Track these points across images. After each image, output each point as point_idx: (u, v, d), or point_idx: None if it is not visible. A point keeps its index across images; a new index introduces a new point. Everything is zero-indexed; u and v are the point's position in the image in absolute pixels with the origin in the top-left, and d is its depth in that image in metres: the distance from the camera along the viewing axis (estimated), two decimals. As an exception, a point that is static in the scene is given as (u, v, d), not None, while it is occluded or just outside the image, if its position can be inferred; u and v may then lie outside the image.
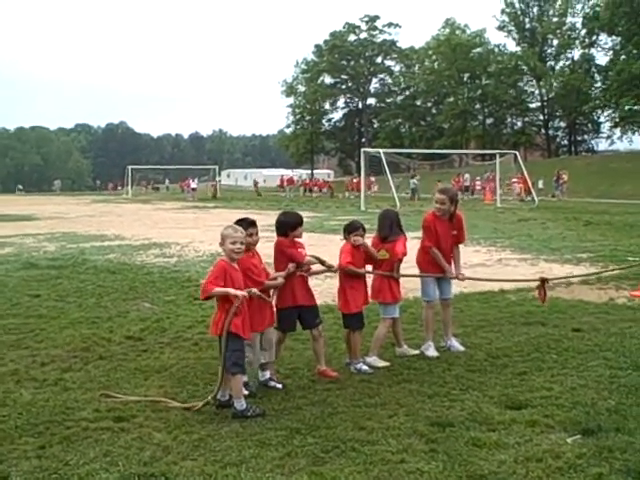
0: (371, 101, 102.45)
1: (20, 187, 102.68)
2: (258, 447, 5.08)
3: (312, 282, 7.23)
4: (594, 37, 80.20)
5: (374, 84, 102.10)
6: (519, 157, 49.07)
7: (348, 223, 7.47)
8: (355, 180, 62.32)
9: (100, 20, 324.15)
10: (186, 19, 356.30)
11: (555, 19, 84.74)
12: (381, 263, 7.52)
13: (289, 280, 6.75)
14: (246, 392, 6.23)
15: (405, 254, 7.44)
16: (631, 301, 10.55)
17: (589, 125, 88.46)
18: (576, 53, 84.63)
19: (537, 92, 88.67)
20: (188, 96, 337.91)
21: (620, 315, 9.53)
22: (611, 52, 77.73)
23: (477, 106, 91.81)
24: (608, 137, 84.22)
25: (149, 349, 7.98)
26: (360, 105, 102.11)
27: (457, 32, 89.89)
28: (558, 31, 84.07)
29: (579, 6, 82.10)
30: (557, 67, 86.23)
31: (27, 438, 5.30)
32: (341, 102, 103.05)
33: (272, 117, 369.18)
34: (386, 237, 7.53)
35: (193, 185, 64.76)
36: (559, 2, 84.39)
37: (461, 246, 8.22)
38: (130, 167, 73.86)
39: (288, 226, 6.91)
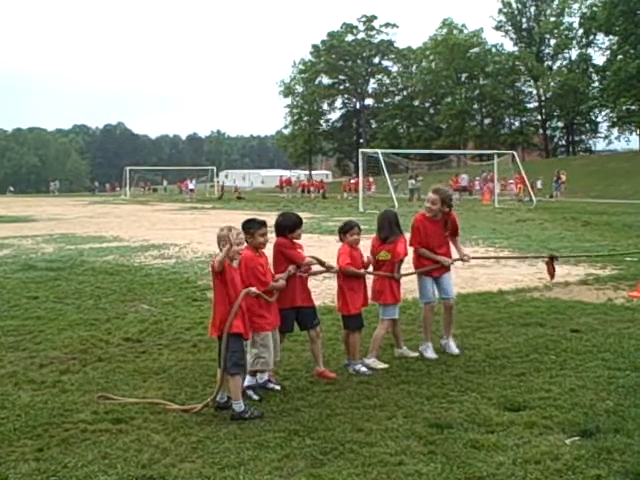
0: (369, 101, 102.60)
1: (11, 189, 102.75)
2: (256, 449, 5.08)
3: (310, 283, 7.22)
4: (591, 37, 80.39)
5: (372, 84, 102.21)
6: (517, 157, 49.12)
7: (343, 223, 7.46)
8: (353, 181, 62.32)
9: (98, 21, 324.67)
10: (184, 20, 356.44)
11: (552, 19, 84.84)
12: (382, 264, 7.51)
13: (289, 281, 6.74)
14: (256, 397, 6.28)
15: (406, 254, 7.44)
16: (629, 302, 10.55)
17: (587, 125, 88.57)
18: (573, 53, 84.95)
19: (535, 92, 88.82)
20: (186, 97, 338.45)
21: (618, 316, 9.53)
22: (608, 52, 77.86)
23: (475, 106, 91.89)
24: (606, 137, 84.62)
25: (147, 351, 7.97)
26: (358, 105, 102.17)
27: (454, 32, 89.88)
28: (555, 31, 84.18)
29: (576, 6, 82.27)
30: (554, 67, 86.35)
31: (25, 440, 5.29)
32: (339, 102, 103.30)
33: (270, 118, 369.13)
34: (386, 238, 7.52)
35: (191, 186, 64.73)
36: (556, 2, 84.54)
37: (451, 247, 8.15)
38: (128, 168, 73.91)
39: (287, 228, 6.90)
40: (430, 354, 7.63)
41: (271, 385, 6.58)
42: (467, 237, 20.36)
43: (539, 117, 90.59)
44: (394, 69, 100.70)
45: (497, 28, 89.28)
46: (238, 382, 5.94)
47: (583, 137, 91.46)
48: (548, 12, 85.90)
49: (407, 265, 7.79)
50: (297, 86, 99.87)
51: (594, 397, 6.08)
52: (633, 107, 70.56)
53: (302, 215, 7.67)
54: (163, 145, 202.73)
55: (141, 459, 4.92)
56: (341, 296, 7.31)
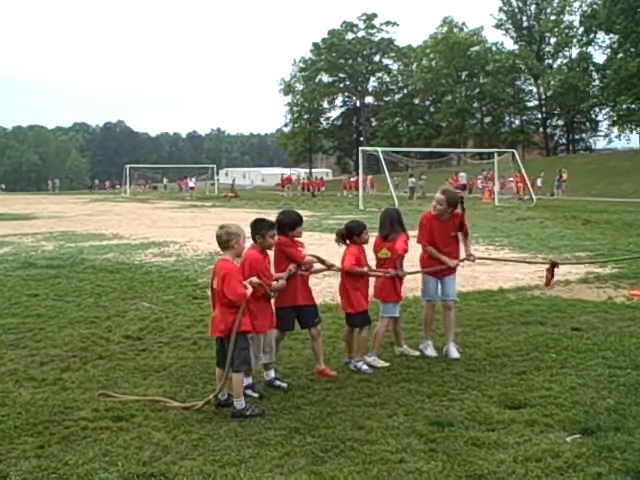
0: (369, 100, 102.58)
1: (3, 186, 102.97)
2: (257, 447, 5.08)
3: (310, 281, 7.22)
4: (592, 35, 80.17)
5: (372, 82, 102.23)
6: (517, 156, 49.08)
7: (352, 225, 7.40)
8: (353, 179, 62.32)
9: (98, 19, 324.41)
10: (184, 18, 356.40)
11: (552, 17, 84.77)
12: (383, 262, 7.51)
13: (290, 280, 6.73)
14: (255, 395, 6.29)
15: (406, 250, 7.40)
16: (630, 300, 10.55)
17: (587, 123, 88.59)
18: (574, 51, 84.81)
19: (535, 90, 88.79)
20: (186, 95, 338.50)
21: (619, 314, 9.53)
22: (609, 50, 77.69)
23: (475, 104, 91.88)
24: (606, 135, 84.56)
25: (148, 348, 7.97)
26: (358, 104, 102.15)
27: (455, 30, 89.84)
28: (555, 29, 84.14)
29: (576, 4, 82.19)
30: (555, 65, 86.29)
31: (26, 438, 5.30)
32: (339, 101, 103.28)
33: (270, 116, 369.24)
34: (387, 236, 7.51)
35: (191, 184, 64.68)
36: (556, 0, 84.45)
37: (460, 246, 8.14)
38: (128, 166, 73.86)
39: (287, 226, 6.89)
40: (430, 352, 7.64)
41: (277, 383, 6.57)
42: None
43: (539, 115, 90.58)
44: (394, 67, 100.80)
45: (497, 26, 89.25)
46: (241, 379, 5.94)
47: (583, 135, 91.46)
48: (548, 10, 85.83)
49: (409, 263, 7.78)
50: (297, 84, 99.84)
51: (595, 395, 6.08)
52: (633, 106, 70.48)
53: (302, 213, 7.67)
54: (163, 143, 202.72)
55: (142, 456, 4.92)
56: (345, 294, 7.30)
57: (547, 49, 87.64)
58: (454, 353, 7.58)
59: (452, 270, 7.85)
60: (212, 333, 6.16)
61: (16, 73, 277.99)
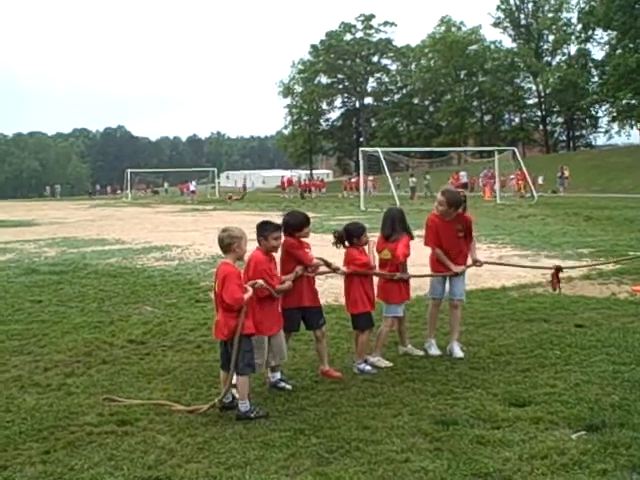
0: (368, 100, 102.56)
1: None
2: (262, 448, 5.08)
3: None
4: (590, 32, 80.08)
5: (371, 83, 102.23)
6: (517, 153, 49.05)
7: (352, 227, 7.37)
8: (354, 180, 62.32)
9: (97, 25, 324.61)
10: (183, 22, 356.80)
11: (550, 14, 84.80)
12: (385, 262, 7.51)
13: (296, 281, 6.73)
14: (289, 386, 6.48)
15: (406, 255, 7.37)
16: (633, 296, 10.54)
17: (587, 120, 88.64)
18: (572, 48, 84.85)
19: (534, 88, 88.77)
20: (185, 99, 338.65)
21: (622, 310, 9.52)
22: (607, 46, 77.65)
23: (474, 103, 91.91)
24: (606, 132, 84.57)
25: (152, 352, 7.97)
26: (357, 104, 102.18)
27: (453, 29, 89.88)
28: (554, 27, 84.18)
29: (574, 1, 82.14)
30: (553, 63, 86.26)
31: (31, 443, 5.30)
32: (338, 102, 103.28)
33: (270, 118, 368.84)
34: (389, 236, 7.51)
35: (192, 188, 64.72)
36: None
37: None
38: (129, 171, 73.91)
39: (294, 227, 6.88)
40: (434, 351, 7.63)
41: (282, 384, 6.57)
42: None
43: (539, 113, 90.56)
44: (393, 67, 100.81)
45: (495, 25, 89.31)
46: (246, 382, 5.94)
47: (584, 132, 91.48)
48: (546, 8, 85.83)
49: (412, 265, 7.78)
50: (296, 86, 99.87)
51: (599, 392, 6.07)
52: (633, 101, 70.42)
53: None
54: (163, 147, 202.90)
55: (147, 460, 4.93)
56: (348, 295, 7.31)
57: (545, 46, 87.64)
58: (458, 352, 7.57)
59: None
60: (216, 336, 6.15)
61: (16, 80, 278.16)
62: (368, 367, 7.11)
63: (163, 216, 37.71)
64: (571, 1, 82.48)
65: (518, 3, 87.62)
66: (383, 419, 5.60)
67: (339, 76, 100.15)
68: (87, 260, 16.69)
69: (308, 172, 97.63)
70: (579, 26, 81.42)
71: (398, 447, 5.01)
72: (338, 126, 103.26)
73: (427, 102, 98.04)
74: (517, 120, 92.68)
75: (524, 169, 45.02)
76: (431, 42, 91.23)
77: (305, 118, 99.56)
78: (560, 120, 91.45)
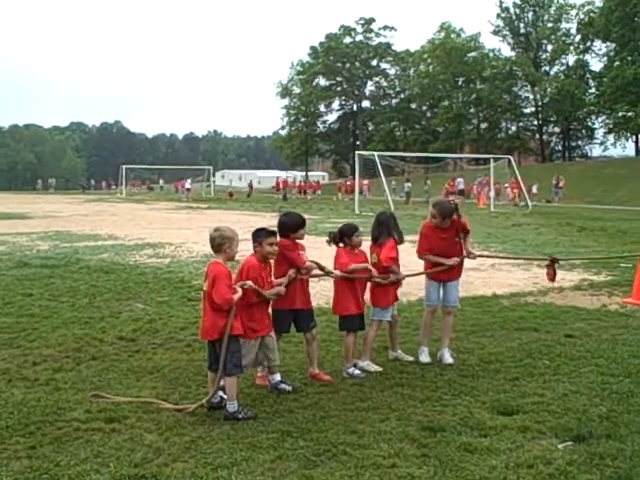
0: (366, 104, 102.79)
1: None
2: (249, 450, 5.07)
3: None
4: (588, 43, 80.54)
5: (369, 87, 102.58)
6: (513, 162, 49.18)
7: (345, 227, 7.38)
8: (349, 182, 62.39)
9: (96, 19, 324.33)
10: (182, 19, 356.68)
11: (550, 24, 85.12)
12: (375, 266, 7.51)
13: (289, 283, 6.73)
14: (289, 387, 6.47)
15: (391, 258, 7.37)
16: (624, 307, 10.58)
17: (583, 131, 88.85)
18: (570, 59, 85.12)
19: (531, 97, 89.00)
20: (183, 96, 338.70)
21: (612, 322, 9.55)
22: (605, 58, 78.06)
23: (472, 110, 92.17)
24: (602, 143, 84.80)
25: (141, 350, 7.96)
26: (355, 108, 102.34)
27: (452, 36, 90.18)
28: (553, 36, 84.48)
29: (573, 12, 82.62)
30: (551, 72, 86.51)
31: (18, 438, 5.28)
32: (336, 104, 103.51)
33: (267, 118, 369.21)
34: (376, 239, 7.54)
35: (187, 185, 64.72)
36: (554, 8, 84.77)
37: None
38: (124, 166, 73.81)
39: (289, 228, 6.88)
40: (424, 358, 7.61)
41: (283, 386, 6.55)
42: (462, 241, 20.36)
43: (536, 122, 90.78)
44: (392, 72, 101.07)
45: (495, 33, 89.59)
46: (234, 383, 5.94)
47: (579, 143, 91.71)
48: (546, 18, 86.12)
49: (403, 268, 7.78)
50: (294, 87, 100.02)
51: (587, 402, 6.09)
52: (629, 113, 70.70)
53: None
54: (160, 144, 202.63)
55: (134, 458, 4.91)
56: (336, 297, 7.35)
57: (544, 56, 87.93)
58: (448, 359, 7.58)
59: (455, 275, 7.85)
60: (203, 337, 6.12)
61: (13, 72, 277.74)
62: (357, 371, 7.11)
63: (157, 213, 37.67)
64: (571, 12, 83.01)
65: (518, 12, 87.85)
66: (371, 424, 5.60)
67: (337, 79, 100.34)
68: (79, 255, 16.66)
69: (304, 174, 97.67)
70: (578, 37, 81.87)
71: (385, 452, 5.01)
72: (335, 129, 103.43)
73: (424, 107, 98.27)
74: (514, 128, 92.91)
75: (519, 178, 45.13)
76: (430, 48, 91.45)
77: (302, 119, 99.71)
78: (556, 130, 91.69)
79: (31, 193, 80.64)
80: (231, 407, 5.80)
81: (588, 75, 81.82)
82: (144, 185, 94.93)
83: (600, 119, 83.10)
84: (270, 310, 6.70)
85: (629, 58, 70.84)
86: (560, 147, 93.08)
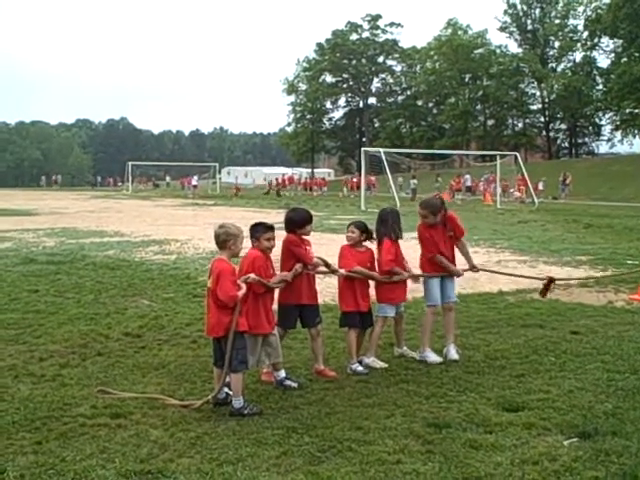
0: (372, 100, 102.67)
1: None
2: (255, 446, 5.08)
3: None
4: (596, 39, 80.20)
5: (375, 83, 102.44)
6: (519, 159, 49.08)
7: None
8: (356, 179, 62.34)
9: (102, 15, 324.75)
10: (188, 16, 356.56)
11: (557, 21, 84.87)
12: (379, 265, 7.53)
13: (296, 278, 6.75)
14: (295, 384, 6.46)
15: (390, 261, 7.37)
16: (630, 304, 10.55)
17: (590, 128, 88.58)
18: (578, 55, 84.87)
19: (538, 94, 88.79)
20: (189, 93, 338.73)
21: (619, 318, 9.53)
22: (613, 55, 77.79)
23: (478, 107, 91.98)
24: (609, 140, 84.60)
25: (147, 346, 7.98)
26: (361, 104, 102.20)
27: (459, 33, 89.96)
28: (560, 33, 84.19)
29: (581, 8, 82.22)
30: (558, 69, 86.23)
31: (24, 433, 5.30)
32: (342, 101, 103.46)
33: (273, 115, 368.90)
34: (376, 236, 7.54)
35: (194, 182, 64.81)
36: (561, 4, 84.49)
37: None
38: (130, 163, 73.92)
39: (297, 223, 6.89)
40: (433, 358, 7.48)
41: (288, 382, 6.55)
42: (468, 238, 20.28)
43: (542, 119, 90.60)
44: (398, 69, 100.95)
45: (502, 29, 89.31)
46: (240, 379, 5.95)
47: (586, 139, 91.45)
48: (553, 14, 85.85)
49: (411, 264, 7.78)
50: (301, 84, 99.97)
51: (593, 399, 6.08)
52: (637, 110, 70.49)
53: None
54: (166, 140, 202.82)
55: (139, 454, 4.93)
56: (340, 293, 7.38)
57: (551, 53, 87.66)
58: (454, 354, 7.57)
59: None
60: (208, 333, 6.15)
61: (19, 69, 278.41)
62: (360, 367, 7.11)
63: (163, 209, 37.73)
64: (578, 8, 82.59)
65: (525, 8, 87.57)
66: (376, 420, 5.60)
67: (344, 75, 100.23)
68: (85, 251, 16.69)
69: (310, 170, 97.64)
70: (585, 33, 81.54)
71: (390, 448, 5.01)
72: (341, 125, 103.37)
73: (431, 104, 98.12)
74: (520, 125, 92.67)
75: (525, 175, 45.04)
76: (437, 44, 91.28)
77: (308, 116, 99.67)
78: (563, 127, 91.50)
79: (37, 190, 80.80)
80: (237, 403, 5.81)
81: (595, 72, 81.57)
82: (150, 182, 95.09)
83: (607, 116, 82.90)
84: (276, 305, 6.72)
85: (637, 54, 70.56)
86: (567, 144, 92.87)
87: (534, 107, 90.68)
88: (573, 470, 4.64)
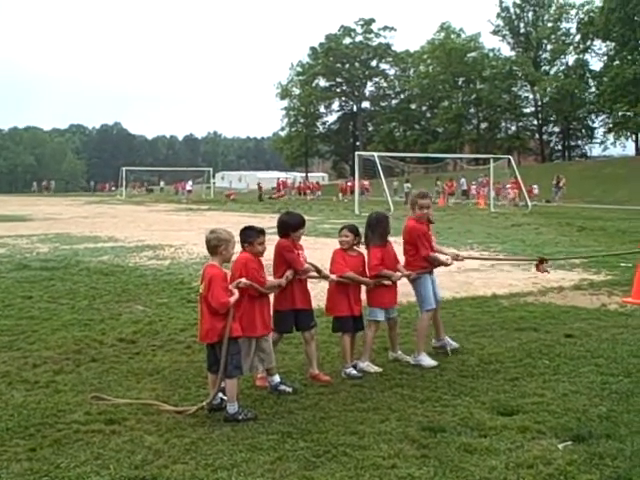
0: (366, 104, 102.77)
1: None
2: (249, 451, 5.08)
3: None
4: (588, 42, 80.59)
5: (369, 87, 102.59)
6: (513, 162, 49.17)
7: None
8: (349, 184, 62.32)
9: (96, 21, 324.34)
10: (182, 21, 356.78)
11: (550, 24, 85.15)
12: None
13: (289, 283, 6.77)
14: (289, 389, 6.45)
15: (376, 266, 7.38)
16: (623, 307, 10.58)
17: (583, 130, 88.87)
18: (570, 58, 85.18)
19: (531, 97, 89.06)
20: (183, 98, 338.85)
21: (612, 321, 9.55)
22: (605, 57, 78.13)
23: (471, 110, 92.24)
24: (602, 143, 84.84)
25: (141, 352, 7.96)
26: (355, 108, 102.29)
27: (452, 36, 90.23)
28: (553, 36, 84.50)
29: (573, 11, 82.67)
30: (551, 72, 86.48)
31: (18, 440, 5.29)
32: (336, 105, 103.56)
33: (267, 119, 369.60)
34: (364, 242, 7.57)
35: (188, 187, 64.76)
36: (554, 7, 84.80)
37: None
38: (124, 168, 73.77)
39: (290, 227, 6.91)
40: (428, 362, 7.47)
41: (283, 387, 6.55)
42: (462, 241, 20.39)
43: (535, 122, 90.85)
44: (391, 72, 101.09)
45: (495, 32, 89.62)
46: (235, 384, 5.94)
47: (579, 142, 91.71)
48: (546, 17, 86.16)
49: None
50: (294, 88, 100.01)
51: (587, 402, 6.09)
52: (629, 113, 70.76)
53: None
54: (160, 145, 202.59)
55: (134, 460, 4.92)
56: (329, 298, 7.39)
57: (544, 56, 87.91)
58: (453, 342, 7.93)
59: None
60: (202, 339, 6.12)
61: (13, 74, 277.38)
62: (354, 372, 7.11)
63: (157, 215, 37.68)
64: (571, 11, 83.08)
65: (518, 12, 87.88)
66: (371, 424, 5.60)
67: (337, 79, 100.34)
68: (79, 257, 16.67)
69: (304, 175, 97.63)
70: (578, 36, 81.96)
71: (385, 453, 5.01)
72: (335, 129, 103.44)
73: (424, 108, 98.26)
74: (513, 128, 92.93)
75: (519, 178, 45.13)
76: (430, 48, 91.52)
77: (302, 120, 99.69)
78: (556, 130, 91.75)
79: (30, 195, 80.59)
80: (231, 408, 5.80)
81: (588, 75, 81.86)
82: (142, 187, 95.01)
83: (600, 118, 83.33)
84: (272, 311, 6.73)
85: (629, 57, 70.95)
86: (560, 147, 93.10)
87: (527, 110, 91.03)
88: (567, 473, 4.65)
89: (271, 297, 6.81)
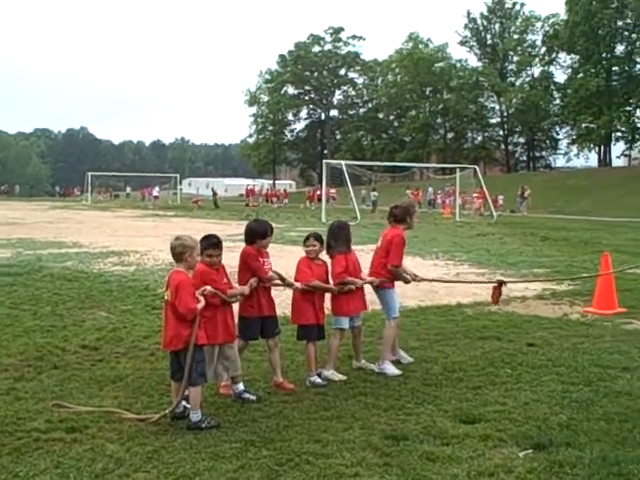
0: (334, 113, 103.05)
1: None
2: (212, 459, 5.06)
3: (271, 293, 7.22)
4: (553, 55, 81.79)
5: (337, 96, 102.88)
6: (478, 172, 49.63)
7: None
8: (318, 192, 62.36)
9: (62, 24, 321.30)
10: (149, 26, 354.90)
11: (516, 36, 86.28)
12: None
13: (254, 290, 6.77)
14: (253, 397, 6.44)
15: (340, 274, 7.38)
16: (585, 317, 10.72)
17: (547, 142, 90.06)
18: (536, 70, 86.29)
19: (497, 108, 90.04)
20: (150, 103, 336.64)
21: (573, 330, 9.68)
22: (569, 70, 79.31)
23: (438, 120, 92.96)
24: (565, 154, 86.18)
25: (104, 359, 7.89)
26: (323, 116, 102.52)
27: (420, 46, 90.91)
28: (519, 48, 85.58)
29: (539, 24, 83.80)
30: (517, 83, 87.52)
31: (-24, 449, 5.20)
32: (304, 113, 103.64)
33: (235, 126, 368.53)
34: (326, 251, 7.58)
35: (155, 193, 64.36)
36: (520, 19, 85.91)
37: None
38: (90, 173, 73.00)
39: (258, 234, 6.91)
40: (393, 370, 7.51)
41: (247, 395, 6.52)
42: (427, 250, 20.50)
43: (501, 132, 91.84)
44: (360, 81, 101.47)
45: (462, 43, 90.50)
46: (199, 392, 5.92)
47: (544, 153, 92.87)
48: (512, 29, 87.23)
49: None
50: (263, 95, 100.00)
51: (548, 411, 6.16)
52: (592, 125, 71.88)
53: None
54: (126, 151, 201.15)
55: (95, 469, 4.87)
56: (293, 306, 7.37)
57: (510, 67, 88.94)
58: (407, 357, 7.97)
59: None
60: (166, 347, 6.08)
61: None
62: (318, 380, 7.11)
63: (123, 220, 37.38)
64: (536, 24, 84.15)
65: (485, 23, 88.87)
66: (334, 433, 5.61)
67: (306, 87, 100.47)
68: (43, 262, 16.47)
69: (271, 182, 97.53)
70: (543, 49, 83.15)
71: (348, 461, 5.02)
72: (303, 137, 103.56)
73: (392, 117, 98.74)
74: (480, 138, 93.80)
75: (484, 188, 45.56)
76: (398, 58, 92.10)
77: (270, 128, 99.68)
78: (521, 140, 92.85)
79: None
80: (194, 416, 5.77)
81: (552, 86, 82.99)
82: (107, 193, 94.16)
83: (564, 130, 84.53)
84: (237, 318, 6.71)
85: (592, 70, 72.11)
86: (525, 157, 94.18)
87: (493, 121, 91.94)
88: (528, 481, 4.70)
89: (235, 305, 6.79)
